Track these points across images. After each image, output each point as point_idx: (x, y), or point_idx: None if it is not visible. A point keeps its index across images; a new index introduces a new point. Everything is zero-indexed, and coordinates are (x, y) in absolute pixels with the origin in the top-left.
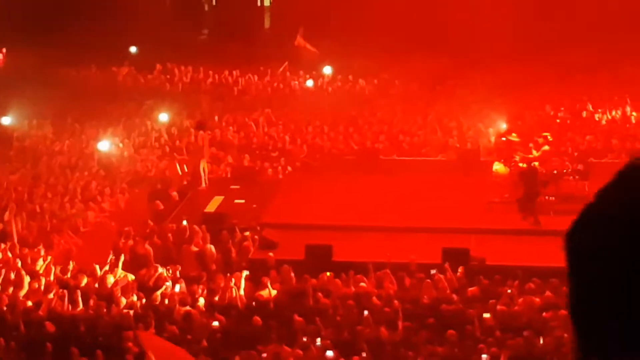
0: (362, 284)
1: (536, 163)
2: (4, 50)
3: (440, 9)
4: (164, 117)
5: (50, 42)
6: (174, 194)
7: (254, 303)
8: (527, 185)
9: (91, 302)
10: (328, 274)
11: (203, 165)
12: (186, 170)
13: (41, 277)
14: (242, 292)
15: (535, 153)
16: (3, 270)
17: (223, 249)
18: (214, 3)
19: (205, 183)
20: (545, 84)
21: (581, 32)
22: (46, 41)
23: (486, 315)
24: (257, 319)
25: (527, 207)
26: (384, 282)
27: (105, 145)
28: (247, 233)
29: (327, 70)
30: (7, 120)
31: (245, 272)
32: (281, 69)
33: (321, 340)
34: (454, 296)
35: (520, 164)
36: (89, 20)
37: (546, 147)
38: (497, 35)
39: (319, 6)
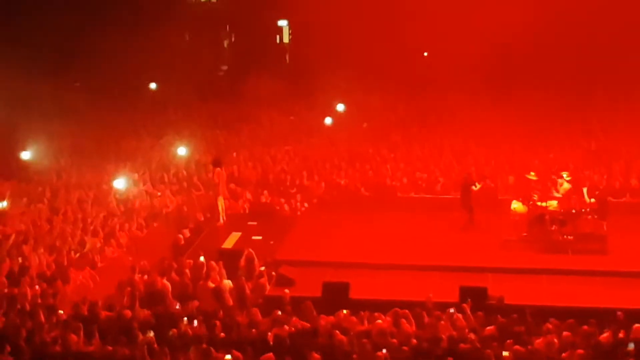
0: (379, 321)
1: (554, 202)
2: None
3: (456, 46)
4: (181, 152)
5: (70, 79)
6: (186, 231)
7: (270, 339)
8: (463, 198)
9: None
10: (344, 311)
11: (220, 202)
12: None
13: (58, 311)
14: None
15: (554, 192)
16: (19, 305)
17: (239, 286)
18: (232, 40)
19: (223, 219)
20: (564, 122)
21: (602, 71)
22: (67, 77)
23: (505, 353)
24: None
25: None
26: (401, 320)
27: (122, 180)
28: (262, 268)
29: (340, 107)
30: (26, 155)
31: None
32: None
33: None
34: (472, 335)
35: (537, 202)
36: (109, 56)
37: (565, 186)
38: (515, 72)
39: (336, 43)
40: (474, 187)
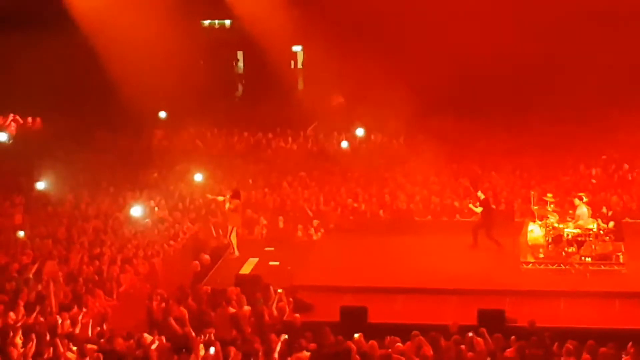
0: (399, 344)
1: (571, 225)
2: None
3: (472, 70)
4: (197, 179)
5: (84, 109)
6: (204, 257)
7: None
8: (484, 217)
9: None
10: (356, 335)
11: (234, 234)
12: (220, 233)
13: (76, 340)
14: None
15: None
16: (34, 334)
17: (257, 312)
18: (247, 65)
19: (237, 252)
20: (581, 143)
21: (617, 92)
22: (80, 108)
23: None
24: None
25: (490, 235)
26: (421, 344)
27: (139, 209)
28: (280, 290)
29: (360, 132)
30: (41, 185)
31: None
32: (310, 129)
33: None
34: (490, 359)
35: (554, 223)
36: (120, 86)
37: (582, 208)
38: (530, 95)
39: (351, 67)
40: (478, 197)
